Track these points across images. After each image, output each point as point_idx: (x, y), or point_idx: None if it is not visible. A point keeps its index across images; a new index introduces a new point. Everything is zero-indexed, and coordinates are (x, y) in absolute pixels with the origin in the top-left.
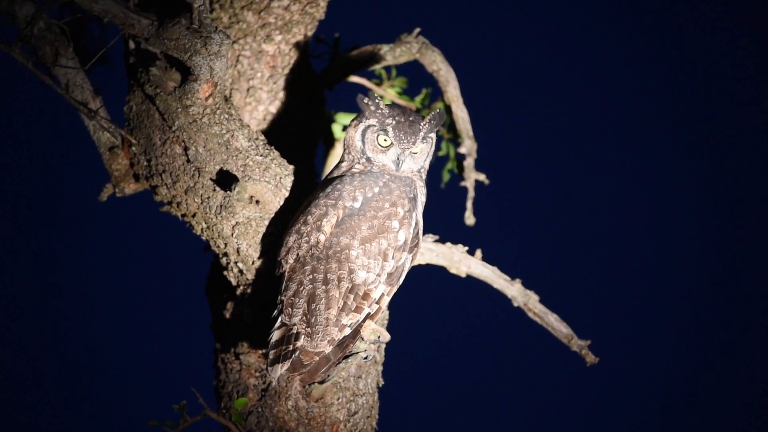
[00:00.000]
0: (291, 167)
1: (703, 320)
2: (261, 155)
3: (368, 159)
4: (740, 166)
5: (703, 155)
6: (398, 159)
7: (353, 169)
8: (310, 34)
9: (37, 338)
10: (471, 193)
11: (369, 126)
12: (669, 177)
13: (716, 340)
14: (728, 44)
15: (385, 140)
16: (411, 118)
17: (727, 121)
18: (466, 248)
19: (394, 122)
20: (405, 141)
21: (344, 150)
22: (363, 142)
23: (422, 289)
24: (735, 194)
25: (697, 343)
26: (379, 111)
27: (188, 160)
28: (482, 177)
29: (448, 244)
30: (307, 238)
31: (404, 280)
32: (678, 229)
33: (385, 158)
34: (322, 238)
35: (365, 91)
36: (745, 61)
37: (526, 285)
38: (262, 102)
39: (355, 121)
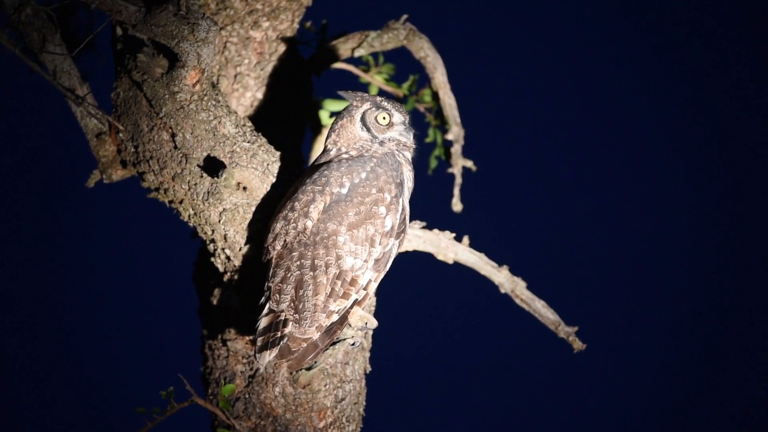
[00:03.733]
0: (278, 153)
1: (691, 305)
2: (248, 142)
3: (381, 142)
4: (721, 150)
5: (685, 137)
6: (405, 124)
7: (342, 156)
8: (297, 20)
9: (21, 323)
10: (458, 180)
11: (366, 111)
12: (653, 163)
13: (703, 325)
14: (716, 39)
15: (384, 117)
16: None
17: (711, 108)
18: (453, 235)
19: (383, 98)
20: (401, 109)
21: (331, 140)
22: (367, 128)
23: (409, 275)
24: (715, 176)
25: (685, 328)
26: (366, 95)
27: (175, 147)
28: (469, 163)
29: (435, 230)
30: (294, 224)
31: (391, 266)
32: (664, 214)
33: (393, 133)
34: (309, 224)
35: (352, 77)
36: (735, 60)
37: (513, 271)
38: (250, 88)
39: (346, 117)
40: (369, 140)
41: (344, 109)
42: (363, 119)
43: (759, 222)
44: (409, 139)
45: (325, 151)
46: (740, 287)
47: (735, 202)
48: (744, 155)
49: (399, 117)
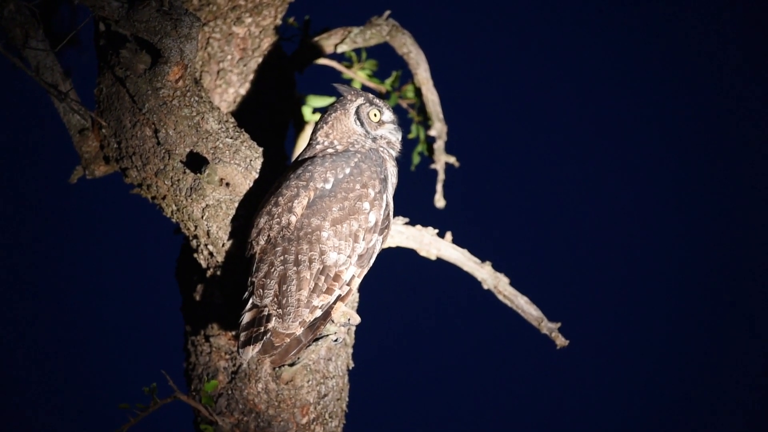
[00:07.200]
0: (261, 149)
1: (677, 300)
2: (231, 138)
3: (374, 139)
4: (702, 145)
5: (664, 131)
6: (395, 124)
7: (327, 151)
8: (280, 16)
9: (5, 322)
10: (441, 176)
11: (360, 105)
12: (637, 158)
13: (690, 320)
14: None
15: (375, 114)
16: None
17: (695, 102)
18: (436, 231)
19: (373, 96)
20: (391, 109)
21: (322, 132)
22: (361, 123)
23: (392, 271)
24: (697, 171)
25: (670, 325)
26: (359, 90)
27: (158, 143)
28: (452, 160)
29: (418, 226)
30: (278, 219)
31: (374, 262)
32: (648, 209)
33: (383, 131)
34: (293, 219)
35: (335, 73)
36: (724, 58)
37: (496, 268)
38: (233, 84)
39: (340, 110)
40: (362, 135)
41: (336, 103)
42: (357, 113)
43: (739, 212)
44: (397, 139)
45: (311, 145)
46: (722, 280)
47: (718, 195)
48: (717, 150)
49: (389, 116)
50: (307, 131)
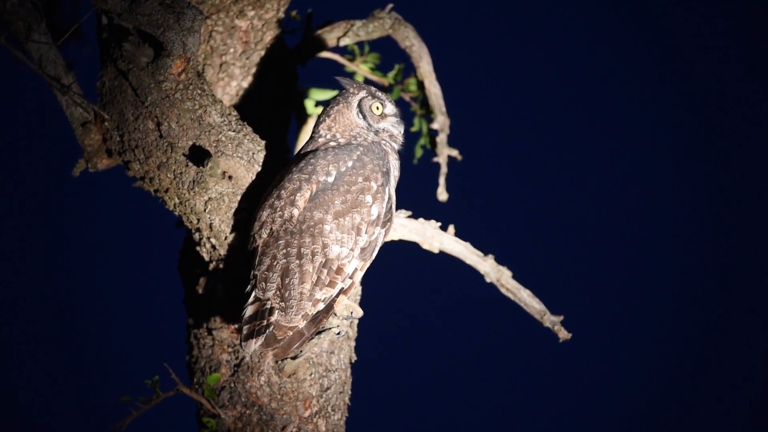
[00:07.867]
0: (263, 142)
1: (679, 294)
2: (234, 131)
3: (376, 132)
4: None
5: (673, 123)
6: (397, 117)
7: (329, 144)
8: (283, 9)
9: (6, 315)
10: (443, 169)
11: (362, 98)
12: (638, 153)
13: (691, 315)
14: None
15: (377, 108)
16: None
17: (697, 100)
18: (439, 224)
19: (376, 89)
20: (393, 102)
21: (325, 125)
22: (363, 115)
23: (395, 265)
24: (698, 166)
25: (672, 319)
26: (361, 83)
27: (161, 136)
28: (455, 153)
29: (421, 219)
30: (280, 212)
31: (377, 255)
32: (650, 203)
33: (386, 124)
34: (295, 212)
35: (338, 67)
36: (717, 60)
37: (499, 261)
38: (235, 77)
39: (342, 103)
40: (365, 128)
41: (338, 96)
42: (360, 106)
43: (741, 203)
44: (400, 132)
45: (313, 138)
46: (723, 273)
47: (720, 187)
48: (718, 147)
49: (392, 109)
50: (310, 124)
